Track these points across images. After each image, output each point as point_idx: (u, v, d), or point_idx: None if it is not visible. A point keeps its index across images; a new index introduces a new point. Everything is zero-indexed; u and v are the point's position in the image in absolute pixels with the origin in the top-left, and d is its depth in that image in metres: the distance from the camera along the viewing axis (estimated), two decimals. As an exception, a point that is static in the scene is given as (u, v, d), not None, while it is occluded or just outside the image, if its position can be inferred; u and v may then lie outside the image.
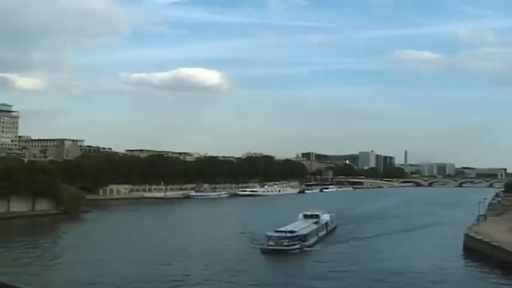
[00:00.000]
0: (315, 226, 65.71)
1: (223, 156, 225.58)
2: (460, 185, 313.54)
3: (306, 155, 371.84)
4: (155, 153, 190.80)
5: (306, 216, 72.75)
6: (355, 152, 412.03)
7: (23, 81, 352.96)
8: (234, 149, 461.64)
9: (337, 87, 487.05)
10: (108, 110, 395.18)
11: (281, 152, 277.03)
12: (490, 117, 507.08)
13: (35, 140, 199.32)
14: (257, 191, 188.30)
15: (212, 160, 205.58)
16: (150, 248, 59.78)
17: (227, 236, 70.09)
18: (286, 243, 55.07)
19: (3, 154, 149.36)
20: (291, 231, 57.42)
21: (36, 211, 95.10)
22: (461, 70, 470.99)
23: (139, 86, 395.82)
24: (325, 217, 74.78)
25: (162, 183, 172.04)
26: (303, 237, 57.59)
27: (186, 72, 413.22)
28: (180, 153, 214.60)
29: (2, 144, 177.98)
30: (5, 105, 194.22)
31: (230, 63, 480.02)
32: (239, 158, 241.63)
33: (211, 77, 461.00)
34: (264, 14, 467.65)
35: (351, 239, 66.63)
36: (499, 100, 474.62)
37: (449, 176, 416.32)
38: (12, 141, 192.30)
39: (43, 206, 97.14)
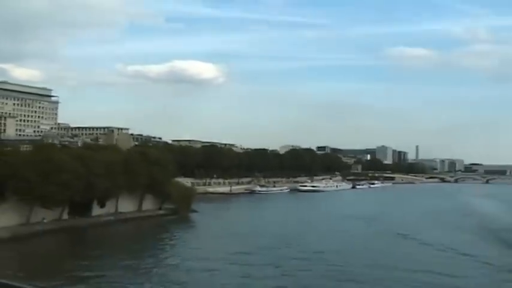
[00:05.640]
0: None
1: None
2: (487, 182, 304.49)
3: (321, 149, 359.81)
4: (207, 144, 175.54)
5: None
6: (363, 146, 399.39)
7: (19, 72, 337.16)
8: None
9: (334, 82, 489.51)
10: (104, 102, 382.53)
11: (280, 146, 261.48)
12: (490, 114, 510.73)
13: (74, 128, 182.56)
14: (318, 186, 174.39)
15: (262, 152, 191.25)
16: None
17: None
18: None
19: (55, 142, 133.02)
20: None
21: (143, 211, 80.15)
22: (457, 67, 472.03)
23: (135, 78, 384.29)
24: None
25: (215, 176, 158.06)
26: None
27: (182, 65, 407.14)
28: (225, 144, 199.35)
29: (42, 131, 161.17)
30: (45, 89, 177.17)
31: (226, 56, 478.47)
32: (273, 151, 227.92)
33: (206, 70, 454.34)
34: (261, 9, 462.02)
35: None
36: (499, 96, 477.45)
37: (459, 171, 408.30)
38: (52, 128, 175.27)
39: (148, 204, 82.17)
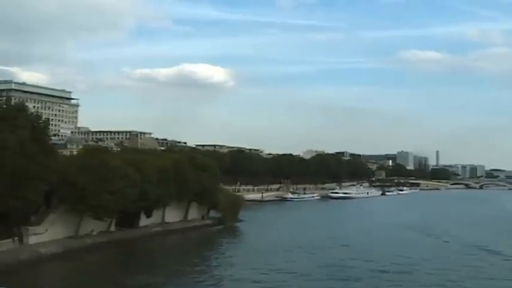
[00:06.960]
0: None
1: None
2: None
3: (341, 154, 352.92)
4: (233, 149, 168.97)
5: None
6: (382, 152, 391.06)
7: (27, 75, 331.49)
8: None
9: (346, 86, 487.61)
10: (116, 105, 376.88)
11: (298, 150, 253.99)
12: (509, 118, 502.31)
13: (95, 132, 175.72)
14: (350, 193, 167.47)
15: (288, 158, 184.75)
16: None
17: None
18: None
19: (80, 146, 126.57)
20: None
21: (188, 221, 73.48)
22: (472, 70, 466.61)
23: (144, 82, 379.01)
24: None
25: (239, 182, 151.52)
26: None
27: (191, 68, 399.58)
28: (249, 150, 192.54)
29: (63, 135, 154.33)
30: (64, 91, 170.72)
31: (235, 60, 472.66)
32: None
33: (216, 73, 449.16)
34: (271, 12, 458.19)
35: None
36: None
37: (481, 177, 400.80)
38: (72, 132, 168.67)
39: (193, 213, 75.53)
